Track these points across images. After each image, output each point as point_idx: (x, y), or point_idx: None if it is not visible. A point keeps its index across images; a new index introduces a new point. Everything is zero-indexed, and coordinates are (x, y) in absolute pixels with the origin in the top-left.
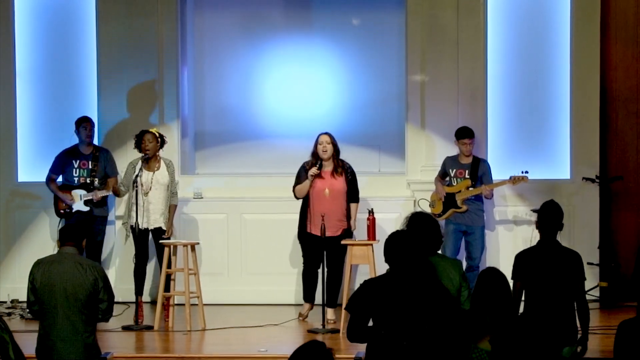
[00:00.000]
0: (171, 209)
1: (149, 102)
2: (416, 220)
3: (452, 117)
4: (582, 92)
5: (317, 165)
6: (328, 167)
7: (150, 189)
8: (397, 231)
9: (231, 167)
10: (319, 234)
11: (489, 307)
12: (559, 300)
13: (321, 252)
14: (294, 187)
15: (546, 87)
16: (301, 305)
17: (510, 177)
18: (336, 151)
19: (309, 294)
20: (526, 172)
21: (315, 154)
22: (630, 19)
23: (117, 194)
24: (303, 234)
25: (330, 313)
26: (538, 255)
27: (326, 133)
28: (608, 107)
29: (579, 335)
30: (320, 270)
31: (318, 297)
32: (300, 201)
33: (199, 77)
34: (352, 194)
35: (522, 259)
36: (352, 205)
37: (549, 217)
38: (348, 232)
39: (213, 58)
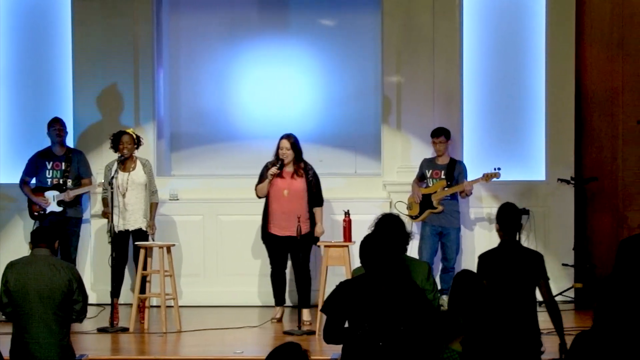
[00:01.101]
0: (152, 207)
1: (125, 103)
2: (384, 221)
3: (427, 118)
4: (558, 94)
5: (278, 165)
6: (289, 168)
7: (126, 189)
8: (372, 233)
9: (207, 168)
10: (279, 234)
11: (464, 309)
12: (521, 300)
13: (286, 252)
14: (256, 185)
15: (521, 88)
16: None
17: (483, 175)
18: (297, 154)
19: (279, 297)
20: (498, 168)
21: (277, 156)
22: (606, 20)
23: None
24: (265, 235)
25: (305, 314)
26: (500, 256)
27: (287, 137)
28: (583, 108)
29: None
30: (287, 272)
31: (292, 299)
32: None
33: (174, 78)
34: (315, 198)
35: (485, 260)
36: (316, 210)
37: (508, 218)
38: (311, 235)
39: (189, 59)
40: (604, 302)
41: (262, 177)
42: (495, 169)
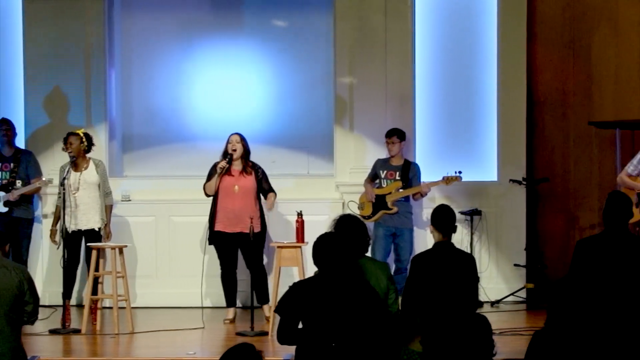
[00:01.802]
0: (107, 209)
1: (76, 104)
2: (343, 222)
3: (380, 119)
4: (509, 95)
5: (227, 159)
6: (237, 166)
7: (77, 189)
8: (325, 233)
9: (159, 169)
10: (229, 231)
11: (417, 309)
12: (454, 301)
13: (236, 251)
14: (204, 184)
15: (474, 89)
16: (223, 307)
17: (443, 177)
18: (246, 152)
19: (230, 298)
20: (459, 172)
21: (225, 153)
22: (557, 21)
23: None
24: (213, 235)
25: (266, 310)
26: (433, 258)
27: (236, 133)
28: (535, 109)
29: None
30: (238, 272)
31: (241, 300)
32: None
33: (126, 79)
34: (268, 189)
35: (418, 262)
36: (270, 195)
37: (443, 220)
38: (262, 234)
39: (141, 60)
40: (560, 301)
41: (210, 176)
42: (456, 172)
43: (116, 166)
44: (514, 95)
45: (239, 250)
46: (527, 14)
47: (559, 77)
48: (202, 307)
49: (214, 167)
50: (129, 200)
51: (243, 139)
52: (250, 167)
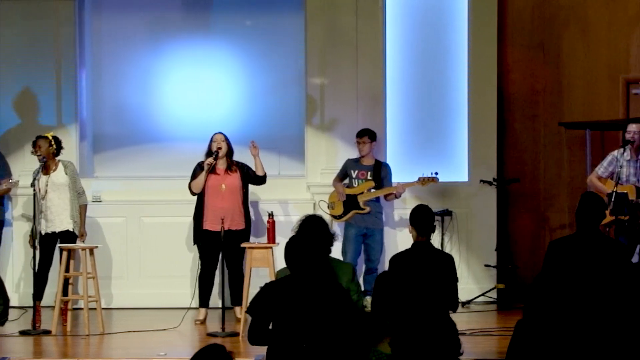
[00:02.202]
0: (81, 209)
1: (47, 105)
2: (308, 223)
3: (351, 119)
4: (480, 95)
5: (214, 156)
6: (222, 164)
7: (46, 191)
8: (296, 235)
9: (130, 170)
10: (217, 230)
11: (387, 310)
12: (433, 302)
13: (218, 251)
14: (190, 183)
15: (445, 90)
16: (193, 308)
17: (419, 178)
18: (230, 150)
19: (204, 299)
20: (436, 173)
21: (209, 152)
22: (527, 22)
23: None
24: (199, 233)
25: (238, 311)
26: (411, 258)
27: (220, 132)
28: (505, 110)
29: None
30: (217, 273)
31: (213, 301)
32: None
33: (97, 79)
34: (256, 177)
35: (396, 262)
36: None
37: (421, 220)
38: (246, 232)
39: (111, 60)
40: (534, 299)
41: (195, 175)
42: (432, 174)
43: (87, 167)
44: (484, 96)
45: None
46: (498, 15)
47: (529, 77)
48: (189, 308)
49: (198, 166)
50: (100, 201)
51: (227, 138)
52: (234, 165)
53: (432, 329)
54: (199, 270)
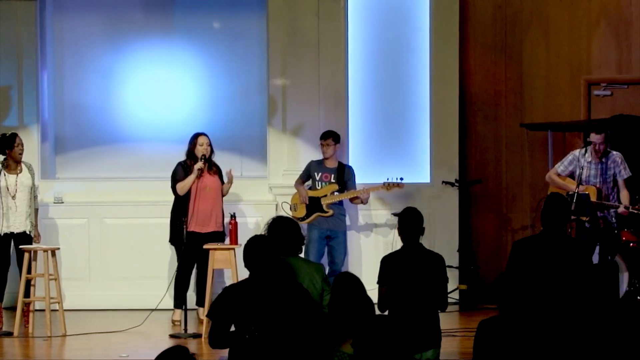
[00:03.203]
0: (35, 212)
1: (8, 105)
2: (277, 224)
3: (313, 120)
4: (442, 97)
5: (203, 160)
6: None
7: (16, 191)
8: (255, 236)
9: (92, 171)
10: (202, 231)
11: (347, 311)
12: (424, 303)
13: (198, 252)
14: (175, 184)
15: (407, 91)
16: (164, 310)
17: (384, 183)
18: (212, 152)
19: (180, 300)
20: (401, 178)
21: (191, 154)
22: (488, 24)
23: None
24: (181, 233)
25: (201, 312)
26: (403, 259)
27: (204, 134)
28: (467, 111)
29: None
30: (193, 274)
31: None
32: (165, 207)
33: (59, 80)
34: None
35: (388, 263)
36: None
37: (411, 222)
38: (224, 234)
39: (74, 61)
40: (500, 299)
41: (177, 177)
42: (397, 179)
43: (48, 168)
44: (446, 97)
45: None
46: (459, 16)
47: (491, 79)
48: (154, 309)
49: (180, 167)
50: (62, 203)
51: (210, 140)
52: (214, 166)
53: (414, 330)
54: (176, 272)
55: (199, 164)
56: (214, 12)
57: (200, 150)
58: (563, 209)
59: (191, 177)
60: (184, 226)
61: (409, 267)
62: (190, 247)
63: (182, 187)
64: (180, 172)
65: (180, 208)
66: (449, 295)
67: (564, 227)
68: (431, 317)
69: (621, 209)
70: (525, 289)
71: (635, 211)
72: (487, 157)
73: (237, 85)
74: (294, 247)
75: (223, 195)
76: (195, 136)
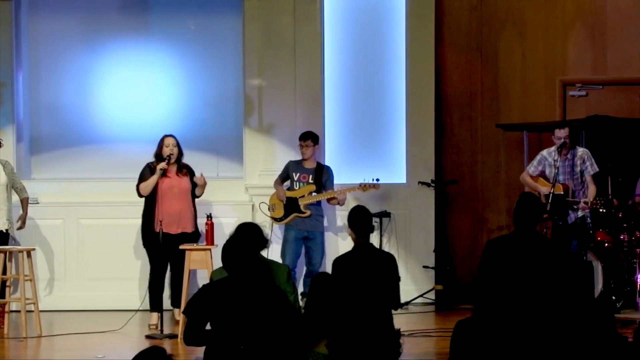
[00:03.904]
0: (24, 202)
1: None
2: (241, 228)
3: (290, 121)
4: (418, 97)
5: (166, 161)
6: (173, 167)
7: None
8: (233, 237)
9: (68, 171)
10: (172, 232)
11: (323, 312)
12: (376, 302)
13: (169, 254)
14: (138, 185)
15: (383, 91)
16: (141, 310)
17: (360, 184)
18: (180, 153)
19: (156, 303)
20: (377, 179)
21: (159, 156)
22: (465, 24)
23: None
24: (151, 236)
25: (177, 313)
26: (354, 259)
27: (171, 135)
28: (443, 111)
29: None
30: (167, 275)
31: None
32: (141, 207)
33: (34, 81)
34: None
35: (339, 264)
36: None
37: (360, 221)
38: (196, 235)
39: (49, 61)
40: (476, 299)
41: (143, 177)
42: (374, 180)
43: (24, 168)
44: (422, 98)
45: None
46: (435, 17)
47: (467, 79)
48: (137, 310)
49: (147, 167)
50: (37, 203)
51: (177, 142)
52: (185, 167)
53: (372, 329)
54: (150, 275)
55: (162, 165)
56: (190, 12)
57: (166, 151)
58: (534, 208)
59: (153, 178)
60: (153, 228)
61: (359, 267)
62: (158, 249)
63: (144, 187)
64: (147, 173)
65: (150, 211)
66: (425, 296)
67: (535, 226)
68: (385, 316)
69: (581, 204)
70: (498, 289)
71: (595, 206)
72: (462, 157)
73: (213, 85)
74: (257, 248)
75: (197, 197)
76: (162, 138)
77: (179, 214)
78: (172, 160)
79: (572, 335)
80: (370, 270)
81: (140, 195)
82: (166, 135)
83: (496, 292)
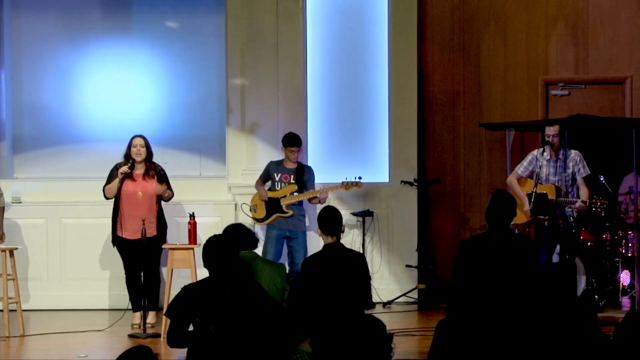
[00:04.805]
0: (1, 212)
1: None
2: (230, 229)
3: (272, 120)
4: (400, 96)
5: (129, 165)
6: (140, 169)
7: None
8: (214, 235)
9: (50, 171)
10: (132, 238)
11: (305, 310)
12: (347, 302)
13: (139, 255)
14: (104, 186)
15: (366, 91)
16: (123, 310)
17: (342, 183)
18: (149, 154)
19: (136, 303)
20: (359, 177)
21: (128, 156)
22: (446, 24)
23: None
24: (116, 240)
25: (150, 316)
26: (323, 259)
27: (140, 135)
28: (426, 111)
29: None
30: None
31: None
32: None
33: (17, 80)
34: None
35: (308, 264)
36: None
37: (329, 221)
38: (160, 238)
39: (31, 61)
40: (452, 299)
41: (111, 178)
42: (356, 178)
43: (6, 167)
44: (405, 97)
45: None
46: (418, 16)
47: (449, 78)
48: (126, 309)
49: (115, 169)
50: (20, 202)
51: (147, 142)
52: (152, 169)
53: (350, 329)
54: (125, 276)
55: (123, 169)
56: (172, 11)
57: (133, 151)
58: (507, 206)
59: (115, 182)
60: (116, 231)
61: (329, 267)
62: (126, 253)
63: (108, 189)
64: (114, 173)
65: (115, 214)
66: (408, 295)
67: (508, 224)
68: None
69: (579, 204)
70: (472, 288)
71: (594, 207)
72: (445, 156)
73: (195, 85)
74: (245, 247)
75: (165, 200)
76: (131, 138)
77: (141, 220)
78: (139, 161)
79: (553, 334)
80: (340, 270)
81: (106, 198)
82: (135, 136)
83: (471, 292)
